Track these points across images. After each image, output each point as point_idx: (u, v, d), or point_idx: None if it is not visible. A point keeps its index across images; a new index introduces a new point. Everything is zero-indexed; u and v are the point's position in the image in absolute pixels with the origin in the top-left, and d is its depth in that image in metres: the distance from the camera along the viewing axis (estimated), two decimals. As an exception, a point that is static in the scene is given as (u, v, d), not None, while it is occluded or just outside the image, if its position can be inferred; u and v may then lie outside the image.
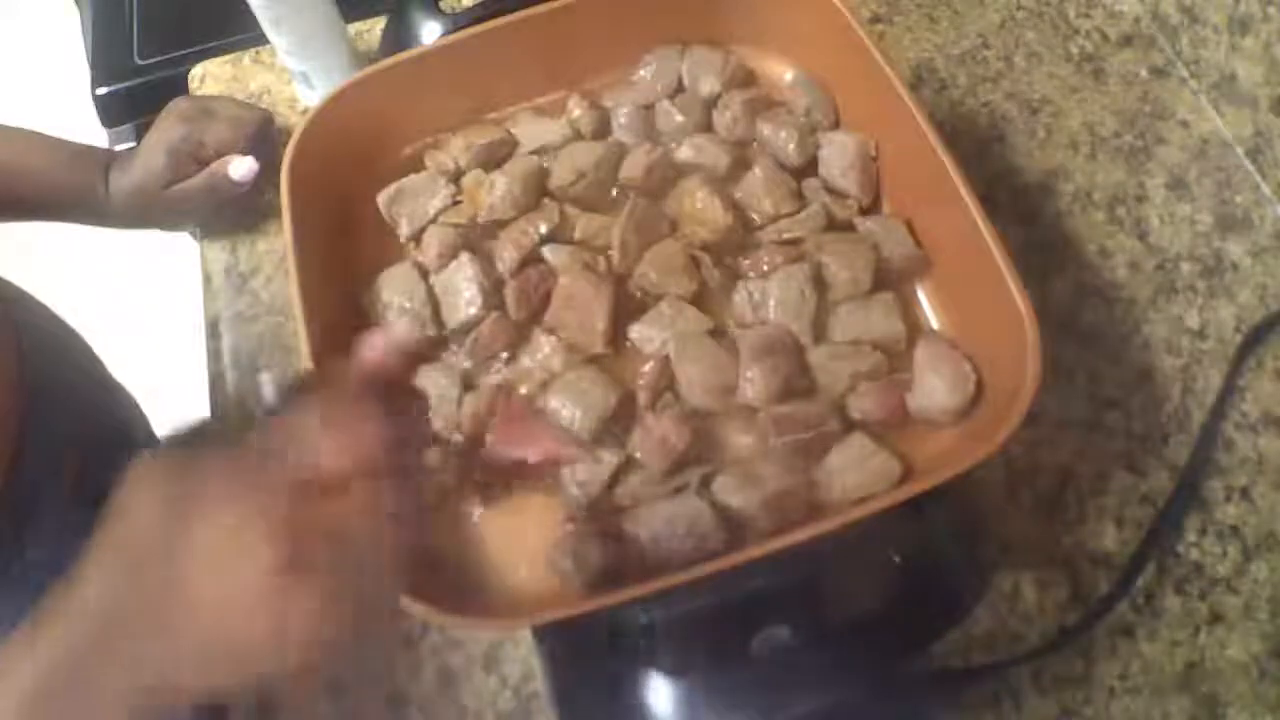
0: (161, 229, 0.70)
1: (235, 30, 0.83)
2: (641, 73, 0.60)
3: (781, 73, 0.60)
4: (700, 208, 0.54)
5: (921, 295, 0.53)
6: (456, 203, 0.57)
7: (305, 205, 0.52)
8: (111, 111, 0.96)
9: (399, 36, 0.65)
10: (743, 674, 0.41)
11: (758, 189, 0.55)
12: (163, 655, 0.29)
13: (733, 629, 0.41)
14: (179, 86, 0.76)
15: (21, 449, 0.56)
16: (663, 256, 0.53)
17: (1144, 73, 0.70)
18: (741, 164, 0.56)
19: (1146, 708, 0.50)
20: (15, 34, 1.93)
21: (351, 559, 0.30)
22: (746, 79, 0.60)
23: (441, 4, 0.65)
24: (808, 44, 0.58)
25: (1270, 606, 0.52)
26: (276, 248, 0.67)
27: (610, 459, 0.47)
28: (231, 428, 0.61)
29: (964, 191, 0.47)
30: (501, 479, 0.48)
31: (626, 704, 0.42)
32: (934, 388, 0.49)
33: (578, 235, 0.55)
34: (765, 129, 0.57)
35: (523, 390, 0.51)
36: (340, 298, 0.53)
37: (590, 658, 0.44)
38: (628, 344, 0.52)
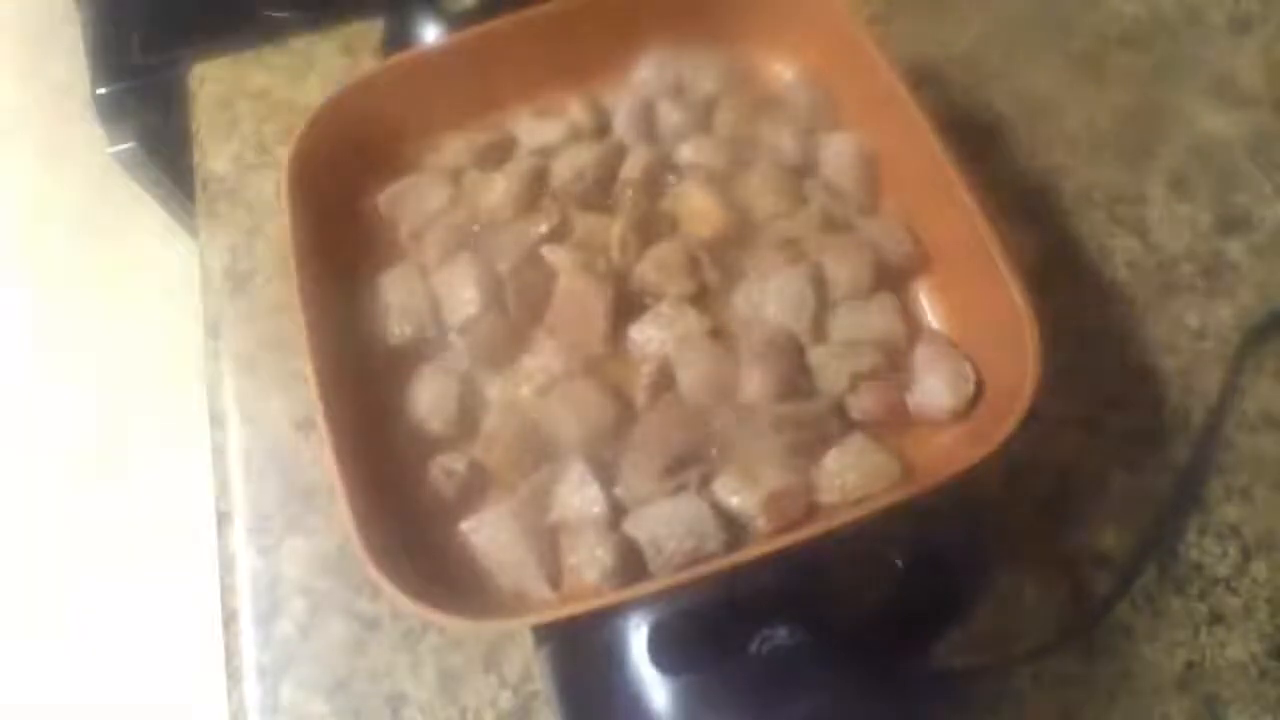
0: None
1: (235, 30, 0.83)
2: (641, 73, 0.60)
3: (781, 73, 0.60)
4: (700, 208, 0.54)
5: (921, 295, 0.53)
6: (456, 203, 0.57)
7: (305, 205, 0.52)
8: (111, 111, 0.96)
9: (399, 36, 0.65)
10: (743, 674, 0.41)
11: (758, 189, 0.55)
12: None
13: (732, 629, 0.41)
14: (179, 86, 0.77)
15: None
16: (663, 256, 0.53)
17: (1144, 73, 0.70)
18: (741, 164, 0.56)
19: (1146, 708, 0.50)
20: (15, 33, 1.93)
21: None
22: (746, 79, 0.60)
23: (441, 4, 0.65)
24: (808, 44, 0.58)
25: (1270, 606, 0.52)
26: (276, 248, 0.67)
27: (598, 495, 0.47)
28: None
29: (964, 191, 0.47)
30: None
31: (626, 704, 0.42)
32: (934, 388, 0.49)
33: (578, 235, 0.55)
34: (765, 129, 0.57)
35: (524, 390, 0.51)
36: (340, 298, 0.53)
37: (590, 658, 0.44)
38: (628, 344, 0.52)
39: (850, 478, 0.46)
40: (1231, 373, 0.58)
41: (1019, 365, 0.44)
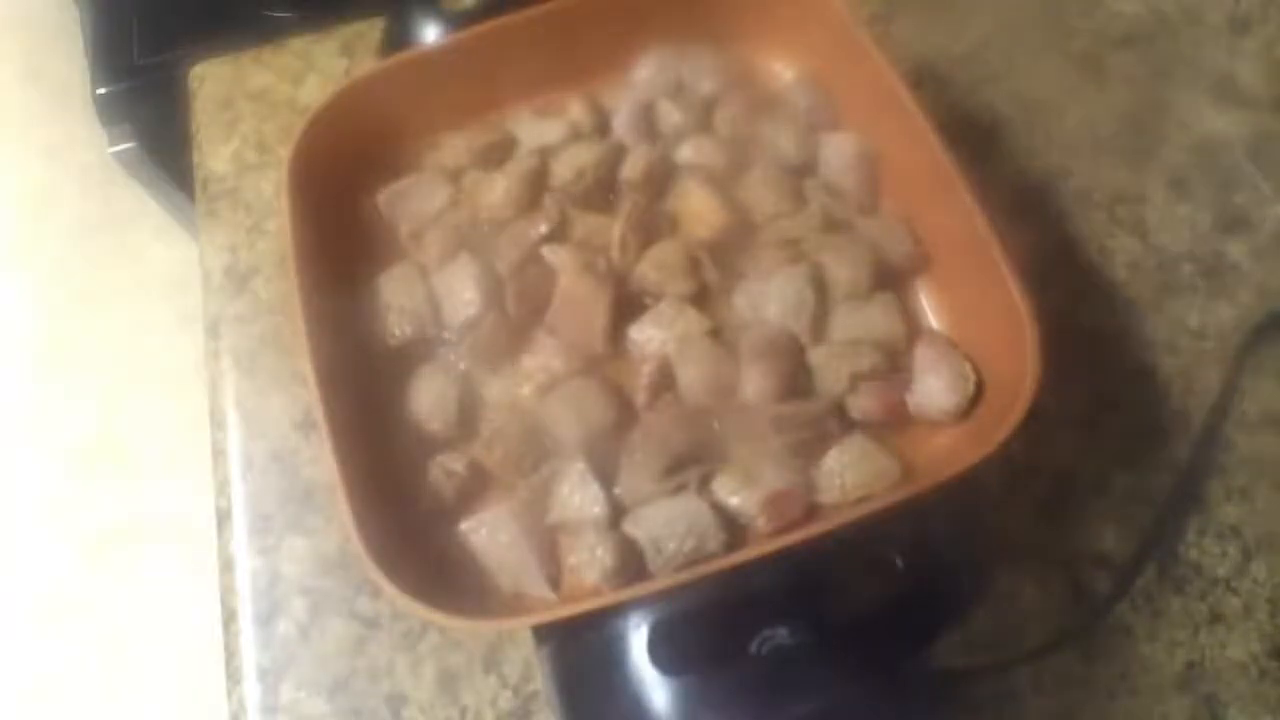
0: None
1: (235, 30, 0.83)
2: (641, 73, 0.60)
3: (781, 73, 0.60)
4: (700, 208, 0.54)
5: (921, 295, 0.53)
6: (456, 203, 0.57)
7: (305, 205, 0.52)
8: (111, 111, 0.96)
9: (399, 36, 0.65)
10: (743, 674, 0.41)
11: (758, 189, 0.55)
12: None
13: (732, 629, 0.41)
14: (179, 86, 0.77)
15: None
16: (663, 256, 0.53)
17: (1144, 73, 0.70)
18: (741, 164, 0.56)
19: (1146, 708, 0.50)
20: (15, 33, 1.93)
21: None
22: (746, 79, 0.60)
23: (441, 4, 0.64)
24: (808, 44, 0.58)
25: (1270, 606, 0.52)
26: (276, 248, 0.67)
27: (598, 495, 0.47)
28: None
29: (964, 191, 0.47)
30: None
31: (626, 704, 0.42)
32: (934, 388, 0.49)
33: (578, 235, 0.55)
34: (765, 129, 0.57)
35: (524, 390, 0.51)
36: (340, 298, 0.53)
37: (590, 657, 0.44)
38: (628, 344, 0.52)
39: (850, 478, 0.46)
40: (1231, 373, 0.58)
41: (1019, 365, 0.44)
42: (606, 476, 0.48)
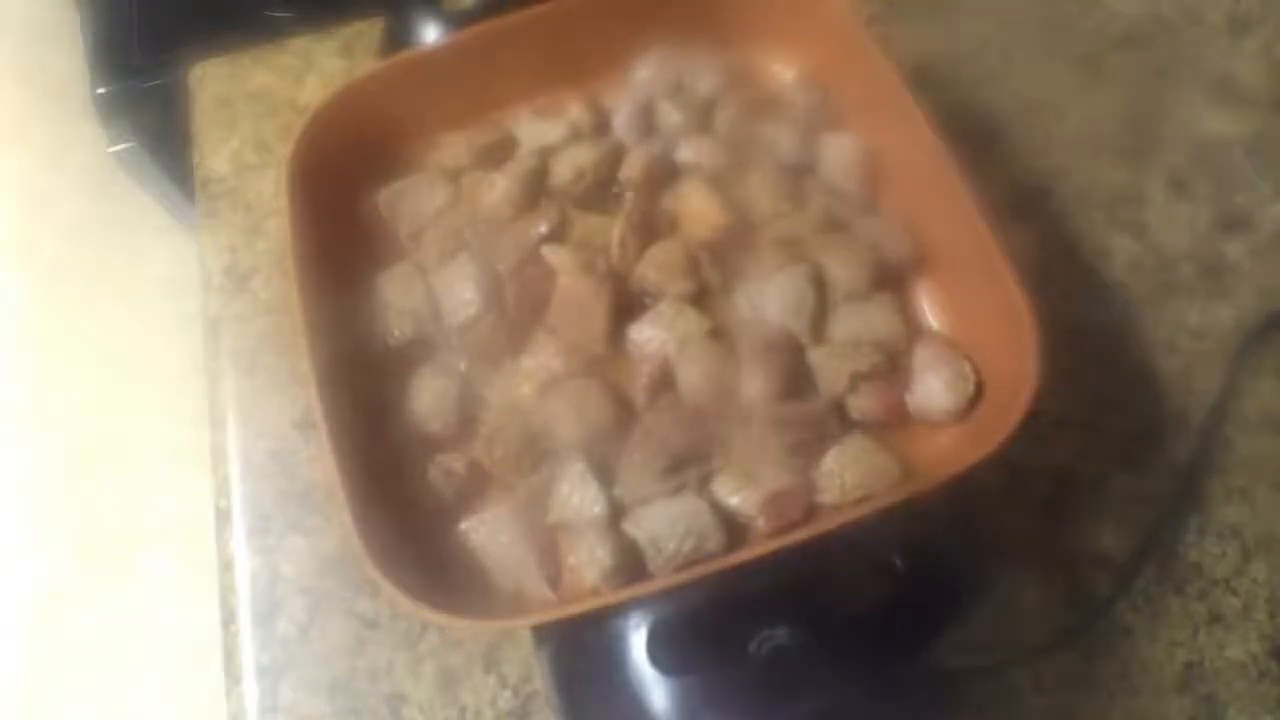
0: None
1: (235, 30, 0.83)
2: (641, 73, 0.60)
3: (781, 73, 0.60)
4: (700, 208, 0.54)
5: (921, 295, 0.53)
6: (456, 203, 0.57)
7: (305, 205, 0.52)
8: (111, 111, 0.96)
9: (399, 36, 0.65)
10: (742, 674, 0.41)
11: (758, 189, 0.55)
12: None
13: (732, 629, 0.41)
14: (179, 86, 0.77)
15: None
16: (663, 256, 0.53)
17: (1144, 73, 0.70)
18: (741, 164, 0.56)
19: (1146, 708, 0.50)
20: (15, 33, 1.93)
21: None
22: (746, 79, 0.60)
23: (441, 4, 0.64)
24: (808, 44, 0.58)
25: (1269, 607, 0.52)
26: (276, 248, 0.67)
27: (598, 495, 0.47)
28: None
29: (964, 191, 0.47)
30: None
31: (626, 704, 0.42)
32: (934, 388, 0.49)
33: (577, 235, 0.55)
34: (765, 129, 0.57)
35: (524, 390, 0.51)
36: (340, 298, 0.53)
37: (590, 658, 0.44)
38: (628, 344, 0.52)
39: (850, 478, 0.46)
40: (1231, 373, 0.58)
41: (1019, 365, 0.44)
42: (606, 476, 0.48)
